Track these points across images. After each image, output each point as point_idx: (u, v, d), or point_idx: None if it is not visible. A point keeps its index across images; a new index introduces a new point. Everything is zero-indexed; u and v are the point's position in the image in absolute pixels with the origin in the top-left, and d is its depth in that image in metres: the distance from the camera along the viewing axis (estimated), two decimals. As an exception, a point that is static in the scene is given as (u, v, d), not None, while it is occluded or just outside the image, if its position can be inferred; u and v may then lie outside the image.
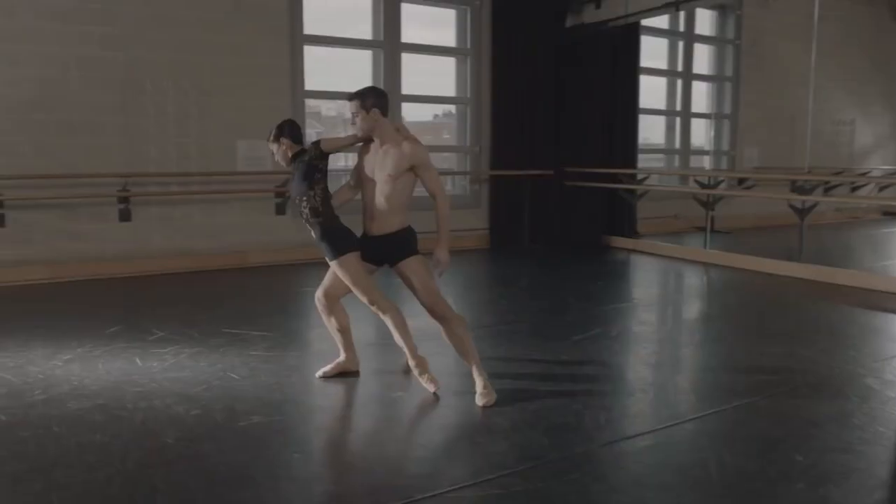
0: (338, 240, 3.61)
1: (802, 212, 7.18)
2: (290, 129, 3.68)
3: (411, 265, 3.64)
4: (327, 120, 12.55)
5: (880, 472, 2.94)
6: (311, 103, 8.32)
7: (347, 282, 3.62)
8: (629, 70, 9.36)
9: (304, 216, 3.65)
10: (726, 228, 10.07)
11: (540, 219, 9.07)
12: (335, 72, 8.60)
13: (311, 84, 7.85)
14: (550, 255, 8.57)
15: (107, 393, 3.64)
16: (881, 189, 11.15)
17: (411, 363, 3.73)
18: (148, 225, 7.06)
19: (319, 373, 3.96)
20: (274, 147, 3.69)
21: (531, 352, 4.50)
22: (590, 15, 8.87)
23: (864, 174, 12.28)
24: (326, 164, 3.68)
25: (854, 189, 10.79)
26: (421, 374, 3.70)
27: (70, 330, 4.83)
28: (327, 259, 3.68)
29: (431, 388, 3.64)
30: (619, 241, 9.10)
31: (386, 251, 3.68)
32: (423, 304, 3.66)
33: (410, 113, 9.42)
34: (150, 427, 3.22)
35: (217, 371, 4.00)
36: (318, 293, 3.87)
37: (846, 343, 4.85)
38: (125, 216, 6.88)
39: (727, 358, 4.56)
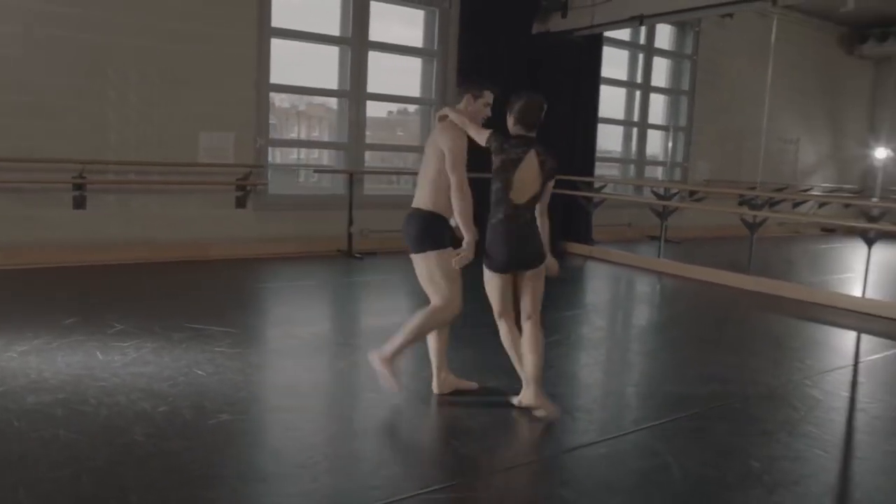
0: None
1: (753, 226, 7.46)
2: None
3: None
4: (281, 112, 12.27)
5: (827, 478, 3.11)
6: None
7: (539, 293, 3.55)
8: (591, 80, 9.55)
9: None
10: (676, 238, 10.38)
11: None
12: (302, 66, 8.55)
13: (276, 77, 7.78)
14: (509, 258, 8.68)
15: (68, 387, 3.56)
16: (820, 206, 11.64)
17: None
18: (104, 213, 6.87)
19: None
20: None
21: (496, 356, 4.56)
22: (555, 24, 9.01)
23: (806, 191, 12.83)
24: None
25: (795, 205, 11.25)
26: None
27: (25, 320, 4.69)
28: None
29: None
30: (576, 248, 9.28)
31: None
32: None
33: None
34: (116, 423, 3.17)
35: (182, 367, 3.95)
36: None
37: (792, 355, 5.08)
38: (79, 203, 6.69)
39: (682, 367, 4.73)
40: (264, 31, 7.55)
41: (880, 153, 13.57)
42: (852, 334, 5.85)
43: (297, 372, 4.12)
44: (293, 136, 9.48)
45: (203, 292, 6.04)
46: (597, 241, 9.69)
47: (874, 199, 10.47)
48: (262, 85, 7.64)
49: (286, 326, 5.11)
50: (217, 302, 5.65)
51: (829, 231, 12.88)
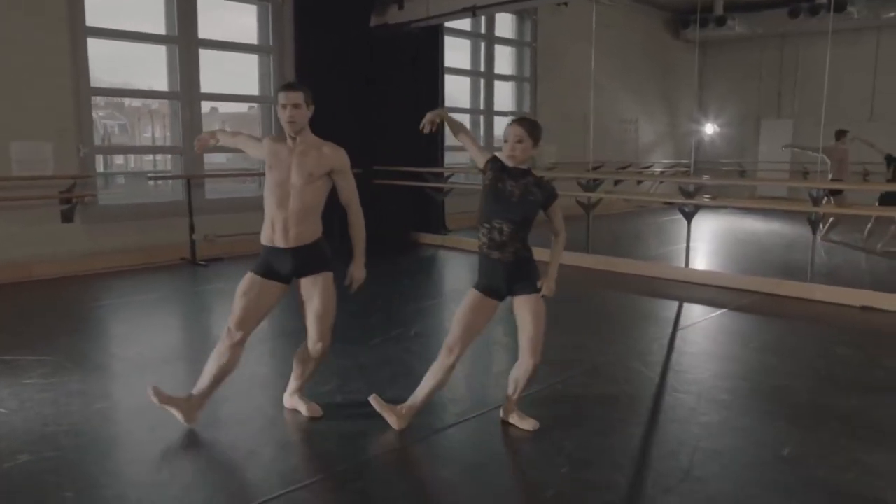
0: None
1: (588, 207, 7.84)
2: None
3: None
4: (131, 111, 11.60)
5: (632, 450, 3.31)
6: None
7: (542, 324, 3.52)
8: (433, 70, 9.65)
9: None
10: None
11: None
12: (135, 66, 8.09)
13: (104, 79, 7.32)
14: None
15: None
16: (661, 182, 12.44)
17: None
18: None
19: None
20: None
21: (330, 357, 4.54)
22: (393, 16, 9.01)
23: (647, 167, 13.67)
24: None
25: (639, 182, 11.98)
26: None
27: None
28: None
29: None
30: (428, 238, 9.39)
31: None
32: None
33: (223, 105, 9.13)
34: None
35: (-21, 406, 3.64)
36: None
37: (622, 330, 5.40)
38: None
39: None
40: (77, 29, 7.04)
41: (708, 129, 14.69)
42: (675, 304, 6.30)
43: (120, 398, 3.92)
44: (147, 135, 8.98)
45: (22, 318, 5.59)
46: (451, 229, 9.85)
47: (705, 177, 11.26)
48: (81, 89, 7.14)
49: (116, 348, 4.85)
50: (38, 327, 5.24)
51: (671, 204, 13.76)
